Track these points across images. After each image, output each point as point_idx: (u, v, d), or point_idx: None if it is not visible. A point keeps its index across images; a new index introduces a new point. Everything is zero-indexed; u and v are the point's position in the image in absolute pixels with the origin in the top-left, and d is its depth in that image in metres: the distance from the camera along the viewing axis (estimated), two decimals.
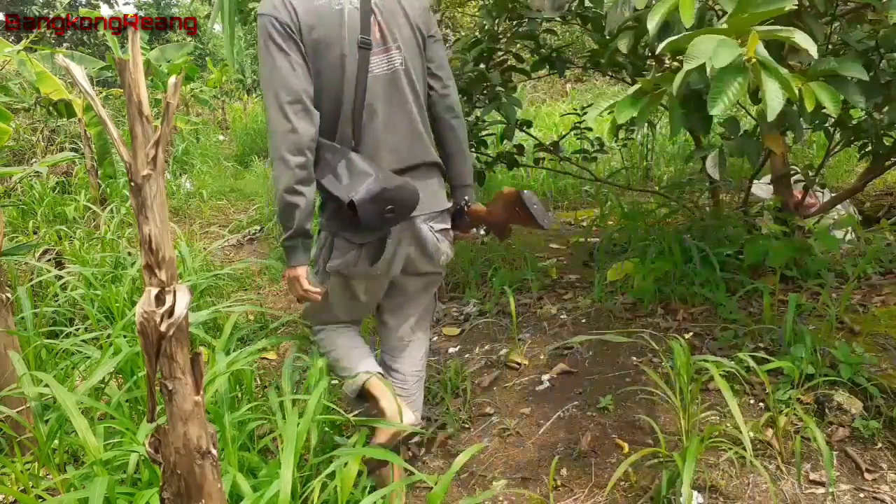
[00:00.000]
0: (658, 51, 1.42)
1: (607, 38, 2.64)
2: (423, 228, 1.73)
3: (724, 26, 1.38)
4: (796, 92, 1.30)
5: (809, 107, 1.32)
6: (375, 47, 1.62)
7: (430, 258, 1.78)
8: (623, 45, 2.03)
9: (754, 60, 1.29)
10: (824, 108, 1.39)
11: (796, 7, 1.39)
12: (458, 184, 1.87)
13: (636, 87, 1.60)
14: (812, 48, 1.29)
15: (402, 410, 1.73)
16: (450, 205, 1.84)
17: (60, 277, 3.07)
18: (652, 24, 1.48)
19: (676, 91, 1.40)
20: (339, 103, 1.62)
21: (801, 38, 1.30)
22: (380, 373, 1.80)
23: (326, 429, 1.90)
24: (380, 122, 1.65)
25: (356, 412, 1.85)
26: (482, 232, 1.96)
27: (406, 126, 1.69)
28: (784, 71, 1.30)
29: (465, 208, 1.84)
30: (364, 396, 1.77)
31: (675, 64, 1.67)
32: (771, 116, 1.26)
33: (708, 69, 1.28)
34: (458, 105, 1.83)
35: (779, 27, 1.34)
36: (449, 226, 1.83)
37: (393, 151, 1.68)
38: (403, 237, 1.71)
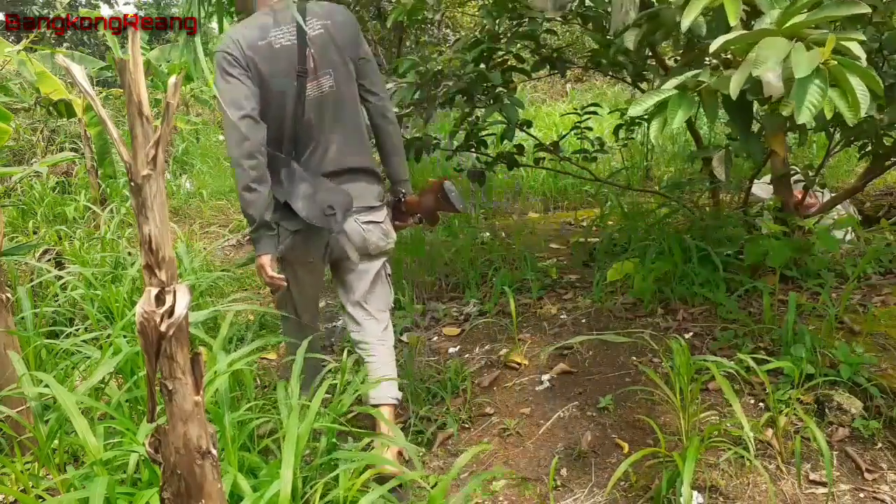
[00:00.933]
0: (713, 48, 1.40)
1: (609, 38, 2.63)
2: (349, 222, 2.04)
3: (770, 26, 1.38)
4: (880, 85, 1.31)
5: (828, 114, 1.33)
6: (310, 75, 1.95)
7: (357, 246, 2.09)
8: (630, 41, 2.02)
9: (833, 64, 1.30)
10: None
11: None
12: (395, 179, 2.21)
13: (675, 82, 1.56)
14: (863, 58, 1.31)
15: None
16: (378, 203, 2.12)
17: (60, 277, 3.06)
18: (686, 21, 1.47)
19: (735, 93, 1.39)
20: (283, 121, 1.96)
21: (857, 49, 1.31)
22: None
23: (334, 441, 1.89)
24: (315, 135, 1.99)
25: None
26: (417, 220, 2.28)
27: (338, 138, 2.02)
28: (861, 65, 1.30)
29: (402, 200, 2.19)
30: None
31: (715, 61, 1.66)
32: (863, 113, 1.29)
33: (775, 75, 1.28)
34: (391, 113, 2.16)
35: (846, 34, 1.34)
36: (378, 219, 2.12)
37: (328, 159, 2.02)
38: (348, 235, 2.06)
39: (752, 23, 1.61)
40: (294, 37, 1.92)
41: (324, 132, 2.00)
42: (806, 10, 1.36)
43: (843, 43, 1.32)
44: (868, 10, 1.34)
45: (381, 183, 2.15)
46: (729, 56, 1.61)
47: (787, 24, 1.37)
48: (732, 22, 1.41)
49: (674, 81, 1.56)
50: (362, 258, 2.13)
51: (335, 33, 1.98)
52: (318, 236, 2.03)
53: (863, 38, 1.33)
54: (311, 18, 1.96)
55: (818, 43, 1.32)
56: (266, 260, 1.95)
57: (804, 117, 1.31)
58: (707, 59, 1.61)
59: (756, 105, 2.04)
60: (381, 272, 2.20)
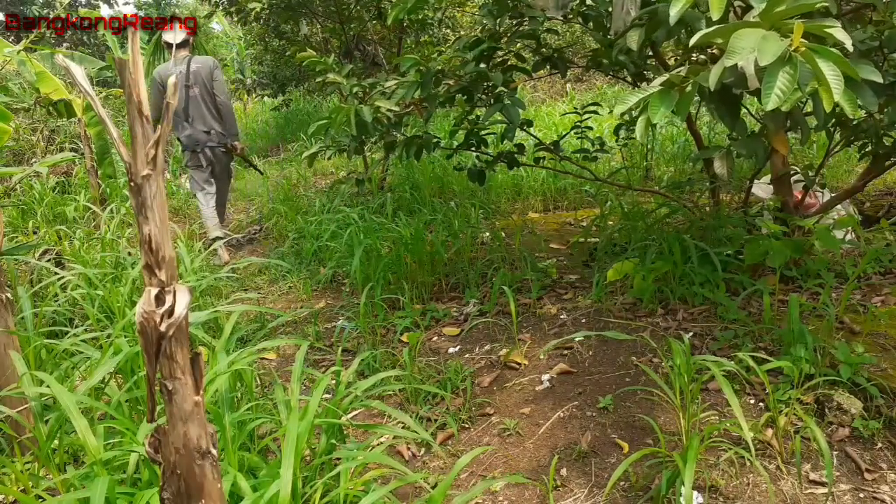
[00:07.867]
0: (692, 42, 1.41)
1: (610, 37, 2.63)
2: (215, 149, 4.87)
3: (755, 19, 1.37)
4: (855, 70, 1.30)
5: (828, 107, 1.32)
6: (190, 87, 4.71)
7: (217, 161, 4.93)
8: (633, 41, 2.02)
9: (803, 49, 1.30)
10: (838, 107, 1.38)
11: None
12: (227, 134, 4.90)
13: (662, 79, 1.57)
14: (848, 43, 1.30)
15: (212, 228, 4.90)
16: (226, 141, 4.88)
17: (60, 276, 3.06)
18: (674, 10, 1.48)
19: (714, 85, 1.39)
20: (179, 104, 4.70)
21: (840, 34, 1.31)
22: (218, 237, 4.74)
23: (333, 441, 1.89)
24: (194, 112, 4.77)
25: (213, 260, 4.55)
26: (236, 152, 5.01)
27: (204, 114, 4.78)
28: (834, 51, 1.29)
29: (229, 143, 4.93)
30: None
31: (703, 57, 1.67)
32: (837, 97, 1.28)
33: (750, 65, 1.29)
34: (223, 104, 4.82)
35: (820, 21, 1.34)
36: (224, 150, 4.90)
37: (201, 123, 4.79)
38: (207, 154, 4.85)
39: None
40: (184, 70, 4.67)
41: (195, 112, 4.73)
42: (790, 3, 1.36)
43: (825, 30, 1.31)
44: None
45: (227, 137, 4.87)
46: (715, 51, 1.62)
47: (769, 15, 1.37)
48: (716, 15, 1.42)
49: (660, 79, 1.58)
50: (219, 166, 4.96)
51: (201, 69, 4.72)
52: (198, 155, 4.81)
53: (836, 23, 1.33)
54: (194, 64, 4.72)
55: (808, 31, 1.32)
56: None
57: (771, 103, 1.31)
58: (694, 54, 1.62)
59: (757, 105, 2.05)
60: (228, 178, 5.27)
